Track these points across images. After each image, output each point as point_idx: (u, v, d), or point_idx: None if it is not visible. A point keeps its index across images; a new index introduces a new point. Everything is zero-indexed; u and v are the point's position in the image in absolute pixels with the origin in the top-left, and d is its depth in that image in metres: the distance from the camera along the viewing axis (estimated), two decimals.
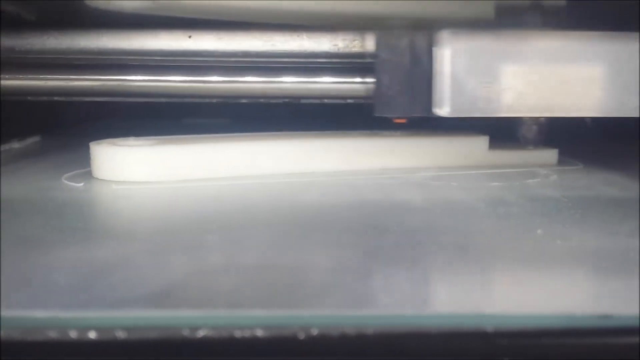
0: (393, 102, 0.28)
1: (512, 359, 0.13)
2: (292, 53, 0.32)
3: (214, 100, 0.34)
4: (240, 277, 0.16)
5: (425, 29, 0.27)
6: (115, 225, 0.22)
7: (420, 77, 0.27)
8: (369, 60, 0.32)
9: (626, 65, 0.26)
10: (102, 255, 0.17)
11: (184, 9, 0.28)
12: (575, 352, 0.13)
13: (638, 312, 0.13)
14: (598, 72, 0.26)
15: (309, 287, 0.15)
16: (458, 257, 0.17)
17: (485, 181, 0.27)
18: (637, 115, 0.27)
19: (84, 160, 0.27)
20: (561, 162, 0.31)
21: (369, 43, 0.32)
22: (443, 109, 0.26)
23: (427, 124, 0.33)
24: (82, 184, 0.26)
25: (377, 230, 0.20)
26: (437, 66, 0.26)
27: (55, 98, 0.34)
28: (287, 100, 0.33)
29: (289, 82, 0.33)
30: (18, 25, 0.32)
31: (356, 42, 0.32)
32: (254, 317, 0.13)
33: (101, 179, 0.26)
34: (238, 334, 0.13)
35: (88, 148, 0.27)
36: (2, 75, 0.32)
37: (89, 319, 0.13)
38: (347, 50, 0.32)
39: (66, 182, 0.26)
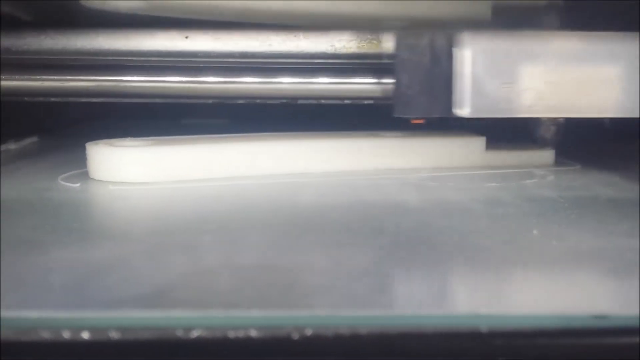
0: (412, 103, 0.27)
1: (507, 359, 0.13)
2: (291, 54, 0.32)
3: (210, 101, 0.34)
4: (235, 277, 0.15)
5: (445, 29, 0.27)
6: (110, 225, 0.22)
7: (440, 77, 0.27)
8: (371, 61, 0.32)
9: None
10: (97, 256, 0.17)
11: (179, 10, 0.28)
12: (571, 352, 0.13)
13: (634, 313, 0.13)
14: (618, 73, 0.26)
15: (305, 288, 0.15)
16: (454, 257, 0.17)
17: (482, 182, 0.27)
18: None
19: (81, 161, 0.27)
20: (558, 162, 0.31)
21: (365, 44, 0.32)
22: (463, 110, 0.26)
23: (425, 124, 0.33)
24: (78, 185, 0.26)
25: (373, 231, 0.20)
26: (457, 67, 0.26)
27: (53, 99, 0.34)
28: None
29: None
30: (14, 25, 0.31)
31: (352, 42, 0.32)
32: (248, 317, 0.13)
33: (97, 180, 0.26)
34: (232, 334, 0.13)
35: (85, 149, 0.27)
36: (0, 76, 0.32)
37: (83, 319, 0.13)
38: (344, 50, 0.32)
39: (62, 182, 0.26)
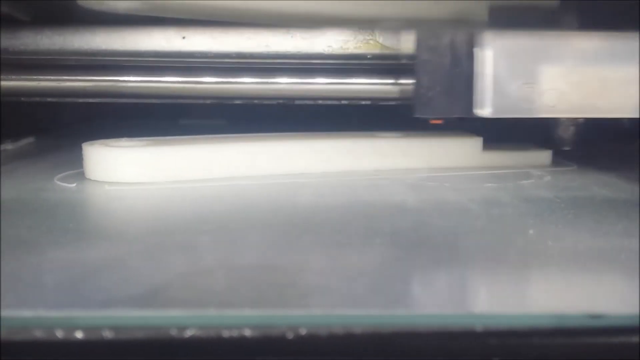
0: (433, 103, 0.27)
1: (501, 358, 0.13)
2: (288, 54, 0.32)
3: (208, 101, 0.34)
4: (230, 277, 0.15)
5: (466, 29, 0.27)
6: (105, 225, 0.22)
7: (460, 77, 0.27)
8: (369, 61, 0.32)
9: None
10: (92, 256, 0.17)
11: (176, 10, 0.28)
12: (566, 352, 0.13)
13: (630, 312, 0.13)
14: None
15: (302, 288, 0.15)
16: (449, 257, 0.17)
17: (479, 182, 0.27)
18: None
19: (78, 161, 0.27)
20: (555, 163, 0.31)
21: (362, 44, 0.32)
22: (485, 110, 0.26)
23: (422, 125, 0.33)
24: (74, 185, 0.26)
25: (371, 231, 0.20)
26: (478, 67, 0.26)
27: (50, 99, 0.34)
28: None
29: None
30: (11, 26, 0.31)
31: (350, 43, 0.32)
32: (242, 317, 0.13)
33: (94, 180, 0.26)
34: (226, 333, 0.13)
35: (81, 149, 0.27)
36: None
37: (76, 318, 0.13)
38: (341, 51, 0.33)
39: (59, 182, 0.26)
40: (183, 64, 0.32)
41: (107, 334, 0.12)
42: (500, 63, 0.26)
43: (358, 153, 0.29)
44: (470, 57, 0.27)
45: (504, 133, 0.32)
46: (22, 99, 0.34)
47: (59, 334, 0.12)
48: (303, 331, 0.13)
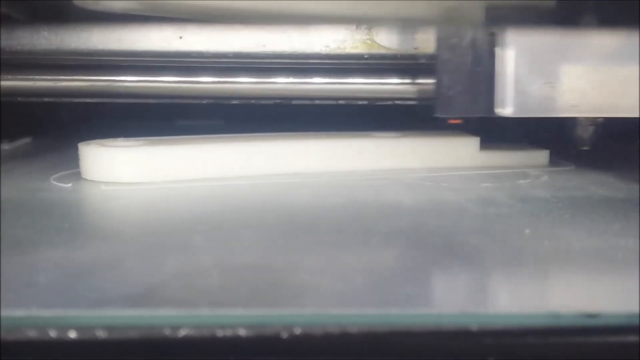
0: (454, 103, 0.27)
1: (497, 358, 0.13)
2: (285, 54, 0.32)
3: (205, 101, 0.34)
4: (224, 277, 0.15)
5: (486, 28, 0.27)
6: (101, 225, 0.22)
7: (481, 76, 0.27)
8: (367, 61, 0.32)
9: None
10: (86, 256, 0.17)
11: (172, 10, 0.28)
12: (561, 351, 0.13)
13: (625, 311, 0.13)
14: None
15: (296, 288, 0.15)
16: (446, 257, 0.17)
17: (477, 182, 0.27)
18: None
19: (75, 161, 0.27)
20: (552, 163, 0.31)
21: (360, 44, 0.32)
22: (506, 109, 0.26)
23: (421, 124, 0.33)
24: (70, 185, 0.26)
25: (368, 231, 0.20)
26: (499, 66, 0.26)
27: (47, 99, 0.34)
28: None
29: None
30: (8, 25, 0.31)
31: (347, 42, 0.32)
32: (236, 316, 0.13)
33: (90, 180, 0.26)
34: (220, 333, 0.12)
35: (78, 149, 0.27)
36: None
37: (69, 318, 0.13)
38: (339, 51, 0.32)
39: (55, 182, 0.26)
40: (180, 64, 0.32)
41: (101, 334, 0.12)
42: (521, 62, 0.26)
43: (355, 153, 0.29)
44: (491, 56, 0.26)
45: (502, 133, 0.32)
46: (19, 99, 0.34)
47: (52, 333, 0.12)
48: (298, 330, 0.13)
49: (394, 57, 0.33)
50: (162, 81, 0.32)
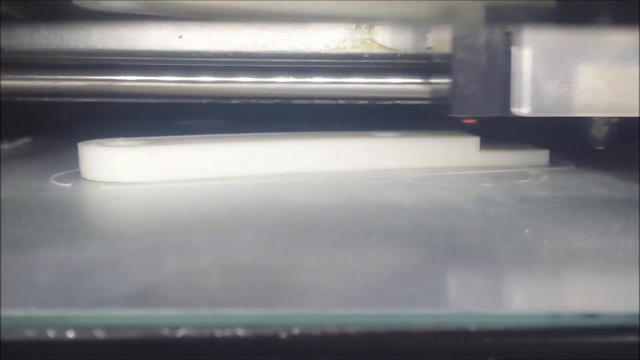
0: (469, 102, 0.27)
1: (496, 358, 0.13)
2: (285, 54, 0.32)
3: (205, 101, 0.34)
4: (223, 277, 0.15)
5: (502, 28, 0.27)
6: (100, 225, 0.22)
7: (497, 76, 0.27)
8: (366, 60, 0.32)
9: None
10: (86, 256, 0.17)
11: (172, 9, 0.28)
12: (561, 351, 0.13)
13: (625, 311, 0.13)
14: None
15: (295, 288, 0.15)
16: (445, 256, 0.17)
17: (476, 182, 0.27)
18: None
19: (74, 161, 0.27)
20: (552, 162, 0.31)
21: (359, 44, 0.32)
22: (522, 109, 0.26)
23: (420, 124, 0.33)
24: (69, 185, 0.26)
25: (367, 231, 0.20)
26: (515, 65, 0.26)
27: (46, 99, 0.34)
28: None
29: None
30: (7, 25, 0.31)
31: (347, 42, 0.32)
32: (235, 316, 0.13)
33: (89, 180, 0.26)
34: (219, 333, 0.12)
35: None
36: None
37: (68, 318, 0.13)
38: (339, 51, 0.32)
39: (54, 182, 0.26)
40: (180, 64, 0.32)
41: (99, 334, 0.12)
42: (538, 62, 0.25)
43: (355, 153, 0.29)
44: (507, 55, 0.26)
45: (501, 132, 0.32)
46: (19, 98, 0.34)
47: (51, 333, 0.12)
48: (296, 330, 0.13)
49: (393, 56, 0.33)
50: (161, 81, 0.32)
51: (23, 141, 0.38)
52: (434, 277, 0.16)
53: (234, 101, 0.33)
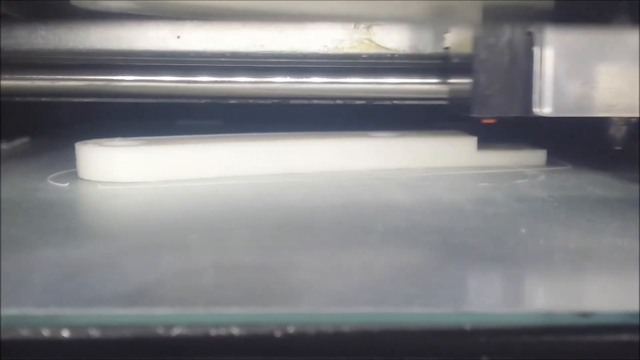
0: (491, 102, 0.27)
1: (490, 357, 0.13)
2: (283, 54, 0.32)
3: (203, 101, 0.34)
4: (219, 276, 0.15)
5: (523, 27, 0.27)
6: (97, 225, 0.22)
7: (518, 76, 0.27)
8: (365, 60, 0.32)
9: None
10: (82, 255, 0.17)
11: (170, 9, 0.28)
12: (555, 350, 0.13)
13: (619, 310, 0.13)
14: None
15: (291, 287, 0.15)
16: (441, 255, 0.17)
17: (474, 181, 0.27)
18: None
19: (72, 161, 0.27)
20: (550, 162, 0.31)
21: (358, 44, 0.32)
22: (544, 109, 0.26)
23: (418, 124, 0.33)
24: (67, 185, 0.26)
25: (365, 230, 0.20)
26: (537, 65, 0.26)
27: (44, 99, 0.34)
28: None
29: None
30: (5, 24, 0.31)
31: (345, 42, 0.32)
32: (229, 315, 0.13)
33: (87, 180, 0.26)
34: (213, 332, 0.12)
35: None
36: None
37: (62, 317, 0.13)
38: (337, 51, 0.32)
39: (52, 182, 0.26)
40: (178, 64, 0.32)
41: (94, 333, 0.12)
42: (560, 62, 0.25)
43: (353, 153, 0.29)
44: (529, 55, 0.26)
45: (499, 132, 0.32)
46: (17, 98, 0.34)
47: (46, 332, 0.12)
48: (291, 329, 0.13)
49: (391, 56, 0.33)
50: (159, 81, 0.32)
51: (21, 141, 0.38)
52: (430, 276, 0.16)
53: (232, 101, 0.33)
